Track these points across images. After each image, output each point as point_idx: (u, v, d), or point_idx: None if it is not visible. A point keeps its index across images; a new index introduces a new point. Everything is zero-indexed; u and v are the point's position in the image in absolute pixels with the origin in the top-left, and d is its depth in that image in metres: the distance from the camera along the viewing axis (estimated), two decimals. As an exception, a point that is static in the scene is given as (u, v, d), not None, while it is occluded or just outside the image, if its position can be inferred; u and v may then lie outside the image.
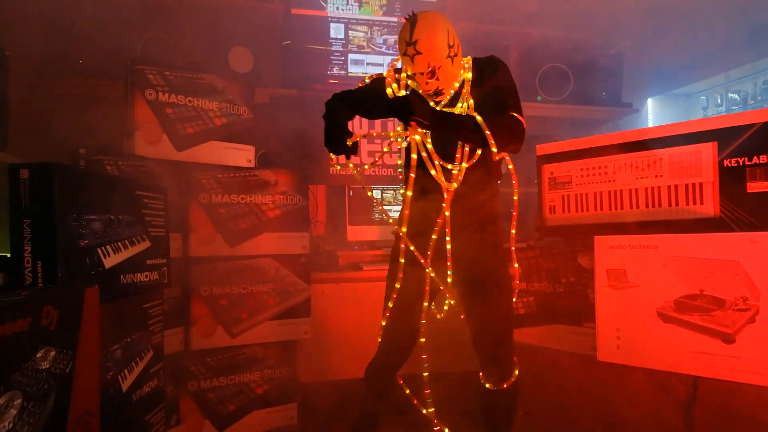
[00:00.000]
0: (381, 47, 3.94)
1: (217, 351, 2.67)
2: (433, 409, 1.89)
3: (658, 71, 4.35)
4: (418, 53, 1.63)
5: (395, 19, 3.95)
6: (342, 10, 3.85)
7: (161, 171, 2.51)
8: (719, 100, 4.35)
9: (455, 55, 1.70)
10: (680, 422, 1.86)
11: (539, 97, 4.03)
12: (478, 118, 1.63)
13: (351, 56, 3.88)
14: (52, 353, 1.14)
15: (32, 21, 3.08)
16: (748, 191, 1.84)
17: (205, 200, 2.68)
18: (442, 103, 1.77)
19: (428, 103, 1.67)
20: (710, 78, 4.34)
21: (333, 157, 1.76)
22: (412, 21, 1.65)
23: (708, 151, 1.92)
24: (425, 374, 1.85)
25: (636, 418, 1.98)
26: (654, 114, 4.68)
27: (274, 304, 2.81)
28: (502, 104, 1.70)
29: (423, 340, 1.84)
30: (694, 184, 1.96)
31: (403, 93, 1.80)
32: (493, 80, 1.73)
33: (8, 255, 1.46)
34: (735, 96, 4.25)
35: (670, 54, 4.17)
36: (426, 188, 1.79)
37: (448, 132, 1.66)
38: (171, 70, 2.60)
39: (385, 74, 1.89)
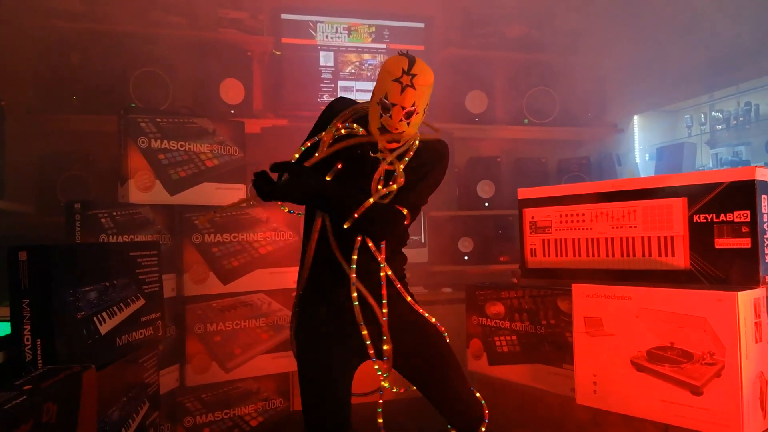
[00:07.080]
0: (370, 74, 4.01)
1: (212, 386, 2.76)
2: None
3: (643, 90, 4.42)
4: (412, 86, 1.55)
5: (384, 46, 4.01)
6: (331, 38, 3.92)
7: (155, 216, 2.58)
8: (703, 119, 4.43)
9: (424, 113, 1.65)
10: (654, 465, 1.95)
11: (526, 120, 4.10)
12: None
13: (341, 83, 3.95)
14: (53, 445, 1.22)
15: (26, 65, 3.14)
16: (716, 247, 1.92)
17: (198, 240, 2.75)
18: (395, 152, 1.65)
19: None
20: (695, 97, 4.42)
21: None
22: (410, 57, 1.57)
23: (679, 205, 2.01)
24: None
25: (612, 459, 2.07)
26: (639, 131, 4.76)
27: (267, 338, 2.90)
28: (405, 197, 1.65)
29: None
30: (666, 237, 2.04)
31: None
32: (426, 170, 1.69)
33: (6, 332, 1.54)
34: (718, 115, 4.33)
35: (655, 73, 4.25)
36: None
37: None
38: (163, 117, 2.66)
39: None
